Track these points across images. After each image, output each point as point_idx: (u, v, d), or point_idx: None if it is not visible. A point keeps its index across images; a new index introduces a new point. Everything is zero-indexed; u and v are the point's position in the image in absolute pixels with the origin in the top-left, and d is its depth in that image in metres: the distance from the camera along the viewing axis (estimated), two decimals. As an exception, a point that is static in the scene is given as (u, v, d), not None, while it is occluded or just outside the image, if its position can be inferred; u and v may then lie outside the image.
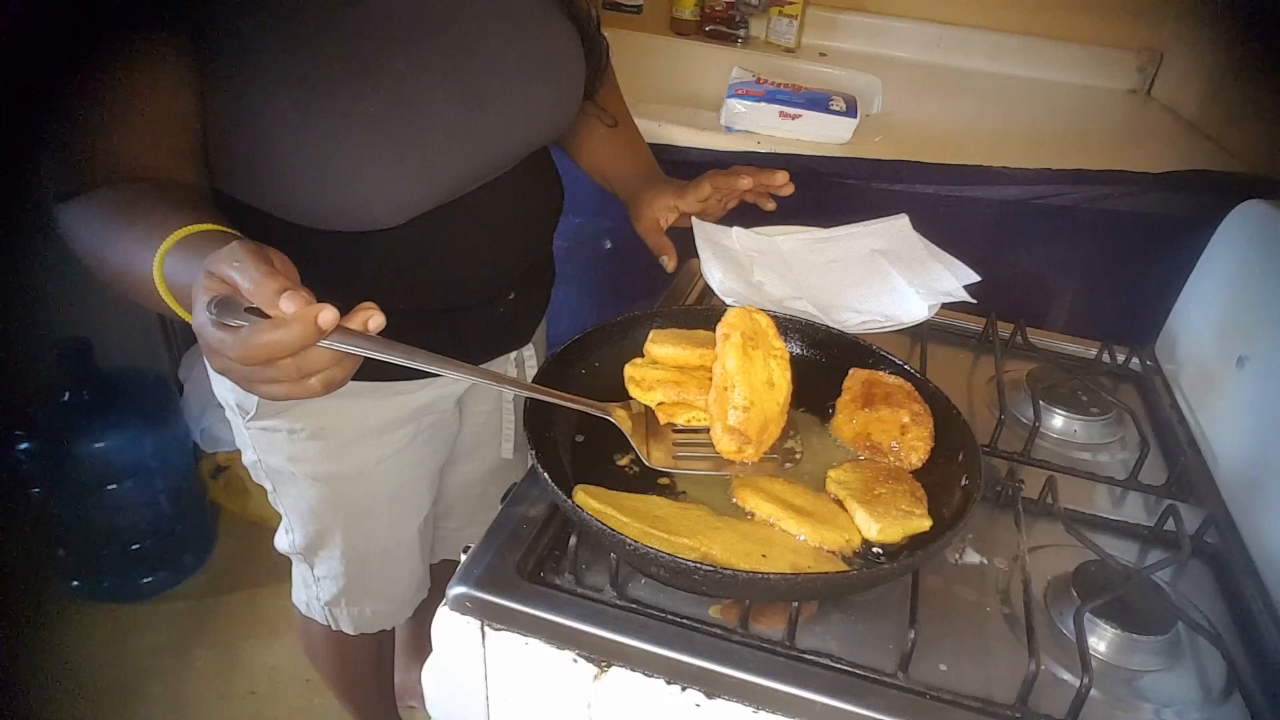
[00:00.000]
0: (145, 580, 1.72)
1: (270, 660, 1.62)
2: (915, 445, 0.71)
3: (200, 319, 0.51)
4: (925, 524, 0.63)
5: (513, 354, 0.99)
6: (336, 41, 0.69)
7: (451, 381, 0.93)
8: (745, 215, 0.99)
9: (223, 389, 0.91)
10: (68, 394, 1.54)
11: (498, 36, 0.79)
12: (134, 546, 1.68)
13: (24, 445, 1.53)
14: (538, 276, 0.98)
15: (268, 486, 0.98)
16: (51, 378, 1.54)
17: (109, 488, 1.60)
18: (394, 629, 1.17)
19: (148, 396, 1.68)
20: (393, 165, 0.72)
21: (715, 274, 0.90)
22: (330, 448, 0.91)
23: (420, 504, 1.02)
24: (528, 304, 0.96)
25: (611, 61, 1.03)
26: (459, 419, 1.03)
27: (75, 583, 1.70)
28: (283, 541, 1.03)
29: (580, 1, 0.88)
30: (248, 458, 0.96)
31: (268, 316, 0.50)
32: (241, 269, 0.50)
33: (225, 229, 0.60)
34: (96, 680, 1.56)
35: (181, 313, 0.59)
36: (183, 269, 0.57)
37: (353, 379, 0.80)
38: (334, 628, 1.10)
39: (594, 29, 0.92)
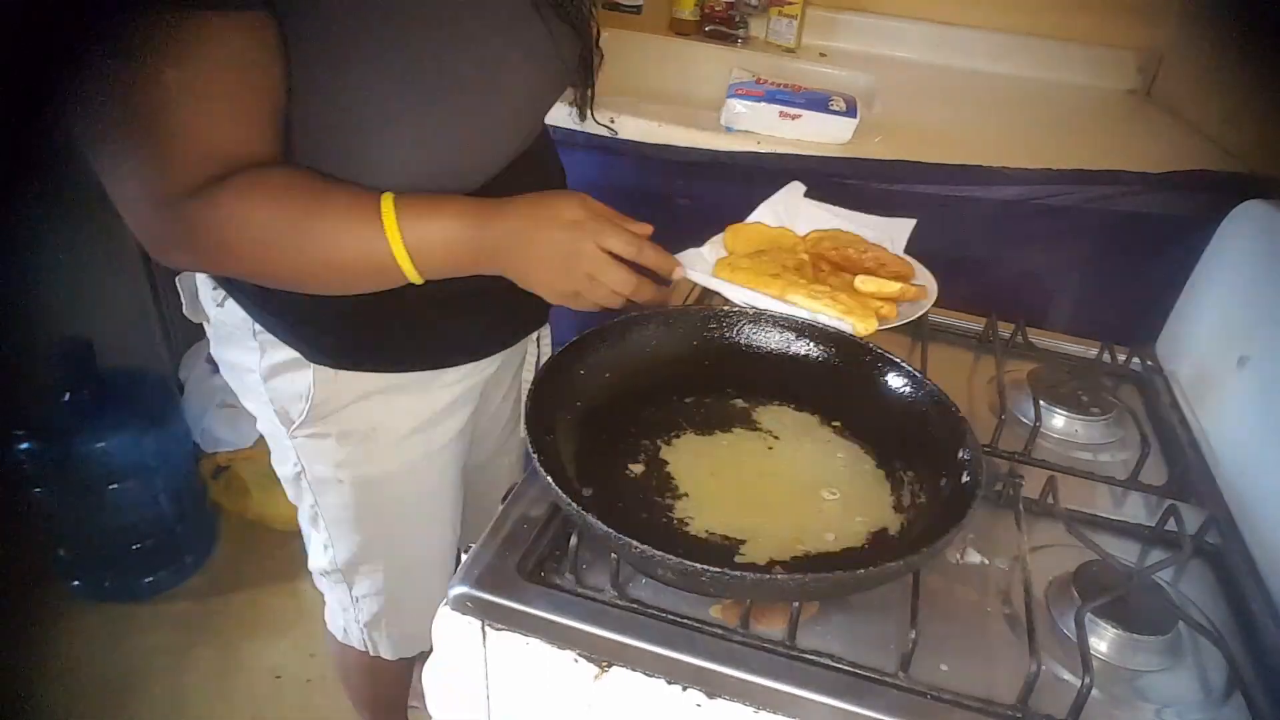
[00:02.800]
0: (145, 580, 1.72)
1: (270, 660, 1.62)
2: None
3: (580, 205, 0.70)
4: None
5: (535, 334, 1.00)
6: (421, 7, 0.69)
7: (485, 367, 0.93)
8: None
9: (259, 405, 0.89)
10: (68, 394, 1.54)
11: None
12: (134, 546, 1.68)
13: (24, 445, 1.53)
14: None
15: (308, 500, 0.95)
16: (51, 378, 1.54)
17: (109, 488, 1.60)
18: None
19: (148, 396, 1.68)
20: (483, 126, 0.74)
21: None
22: (379, 448, 0.90)
23: (455, 508, 1.02)
24: None
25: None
26: (481, 414, 1.02)
27: (75, 583, 1.70)
28: (321, 560, 1.00)
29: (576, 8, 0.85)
30: (287, 471, 0.94)
31: None
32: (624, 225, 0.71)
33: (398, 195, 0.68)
34: (96, 680, 1.56)
35: (408, 265, 0.68)
36: (444, 224, 0.68)
37: (400, 371, 0.86)
38: (372, 653, 1.07)
39: (591, 39, 0.89)
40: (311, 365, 0.83)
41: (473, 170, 0.76)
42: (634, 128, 1.33)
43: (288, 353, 0.83)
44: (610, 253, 0.71)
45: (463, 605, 0.61)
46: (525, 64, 0.77)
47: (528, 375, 1.04)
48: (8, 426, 1.53)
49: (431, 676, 0.66)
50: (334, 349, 0.82)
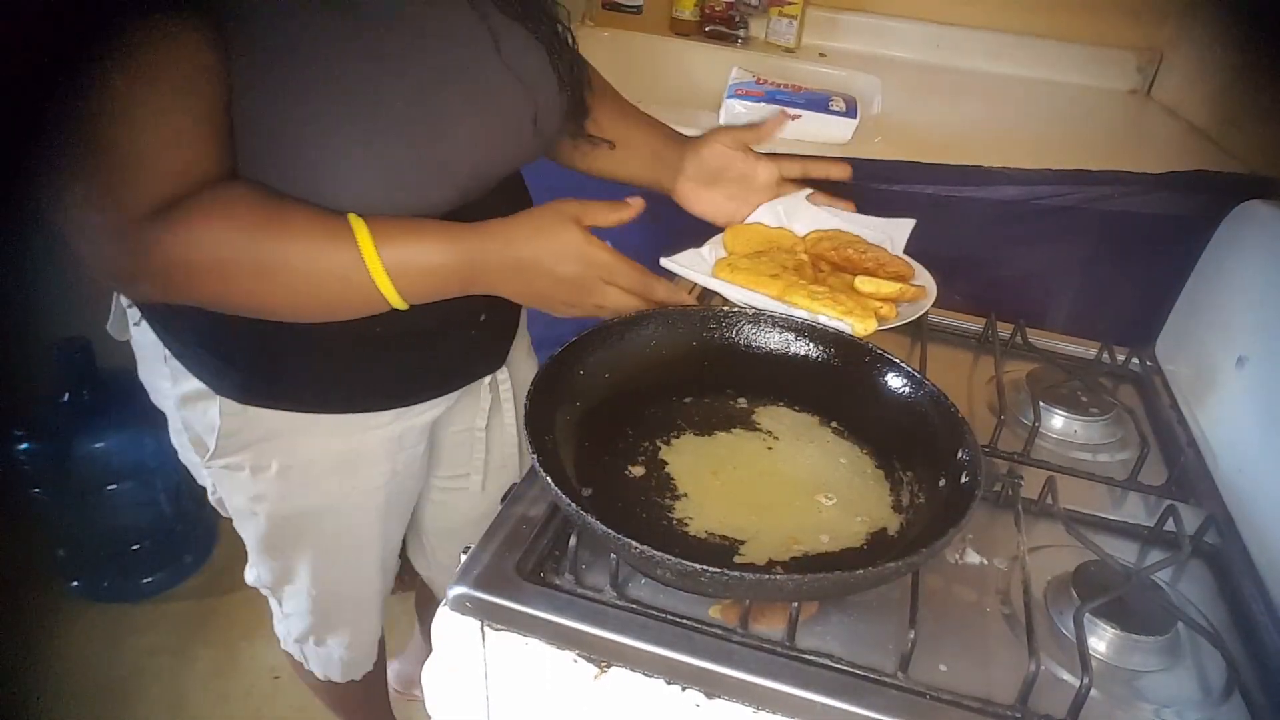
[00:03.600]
0: (145, 580, 1.72)
1: (270, 660, 1.62)
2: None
3: (595, 251, 0.68)
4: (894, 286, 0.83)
5: (487, 379, 0.94)
6: (361, 36, 0.65)
7: (424, 411, 0.88)
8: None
9: (176, 428, 0.87)
10: (68, 394, 1.54)
11: (487, 49, 0.74)
12: (134, 546, 1.68)
13: (24, 445, 1.53)
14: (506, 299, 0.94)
15: (234, 521, 0.94)
16: (51, 378, 1.54)
17: (109, 488, 1.60)
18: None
19: (147, 397, 1.67)
20: (433, 173, 0.70)
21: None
22: (294, 486, 0.86)
23: (385, 549, 0.98)
24: (500, 325, 0.91)
25: (601, 81, 0.96)
26: (435, 449, 0.99)
27: (75, 583, 1.70)
28: (250, 575, 1.00)
29: (547, 23, 0.81)
30: (211, 496, 0.93)
31: None
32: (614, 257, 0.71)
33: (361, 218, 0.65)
34: (96, 680, 1.56)
35: (390, 291, 0.65)
36: (427, 250, 0.66)
37: (313, 412, 0.82)
38: (306, 666, 1.08)
39: (567, 53, 0.84)
40: (218, 397, 0.80)
41: (426, 209, 0.71)
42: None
43: (196, 382, 0.80)
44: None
45: (462, 605, 0.61)
46: (479, 115, 0.73)
47: (480, 422, 0.97)
48: (7, 426, 1.53)
49: (431, 676, 0.66)
50: (241, 383, 0.79)
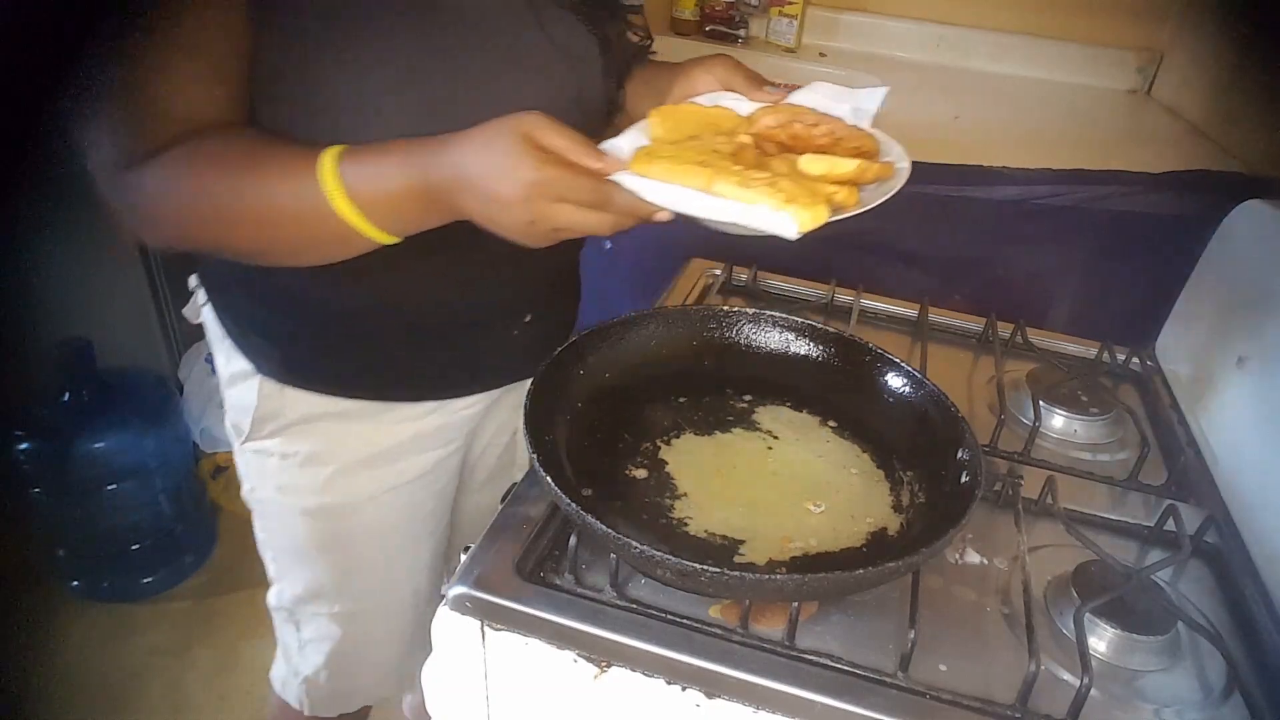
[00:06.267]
0: (145, 580, 1.72)
1: (269, 660, 1.61)
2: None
3: (534, 166, 0.57)
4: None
5: (529, 381, 0.93)
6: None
7: (462, 409, 0.87)
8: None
9: (224, 410, 0.87)
10: (68, 394, 1.54)
11: (526, 10, 0.73)
12: (134, 546, 1.68)
13: (24, 445, 1.53)
14: (560, 295, 0.90)
15: (258, 523, 0.91)
16: (51, 378, 1.54)
17: (109, 488, 1.60)
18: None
19: (148, 396, 1.68)
20: (425, 116, 0.67)
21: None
22: (323, 476, 0.84)
23: (421, 551, 0.94)
24: (547, 326, 0.88)
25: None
26: (471, 451, 0.96)
27: (75, 583, 1.70)
28: (271, 596, 0.95)
29: (607, 20, 0.79)
30: (245, 489, 0.90)
31: None
32: (567, 134, 0.59)
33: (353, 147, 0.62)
34: (96, 680, 1.56)
35: (356, 218, 0.61)
36: (385, 169, 0.60)
37: (348, 397, 0.80)
38: (307, 712, 1.00)
39: (623, 48, 0.81)
40: (259, 376, 0.80)
41: None
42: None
43: (243, 361, 0.81)
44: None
45: (462, 605, 0.61)
46: (523, 84, 0.72)
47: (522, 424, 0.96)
48: (8, 426, 1.53)
49: (431, 676, 0.66)
50: (281, 361, 0.79)
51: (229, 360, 0.83)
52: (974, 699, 0.57)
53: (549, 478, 0.59)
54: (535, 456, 0.61)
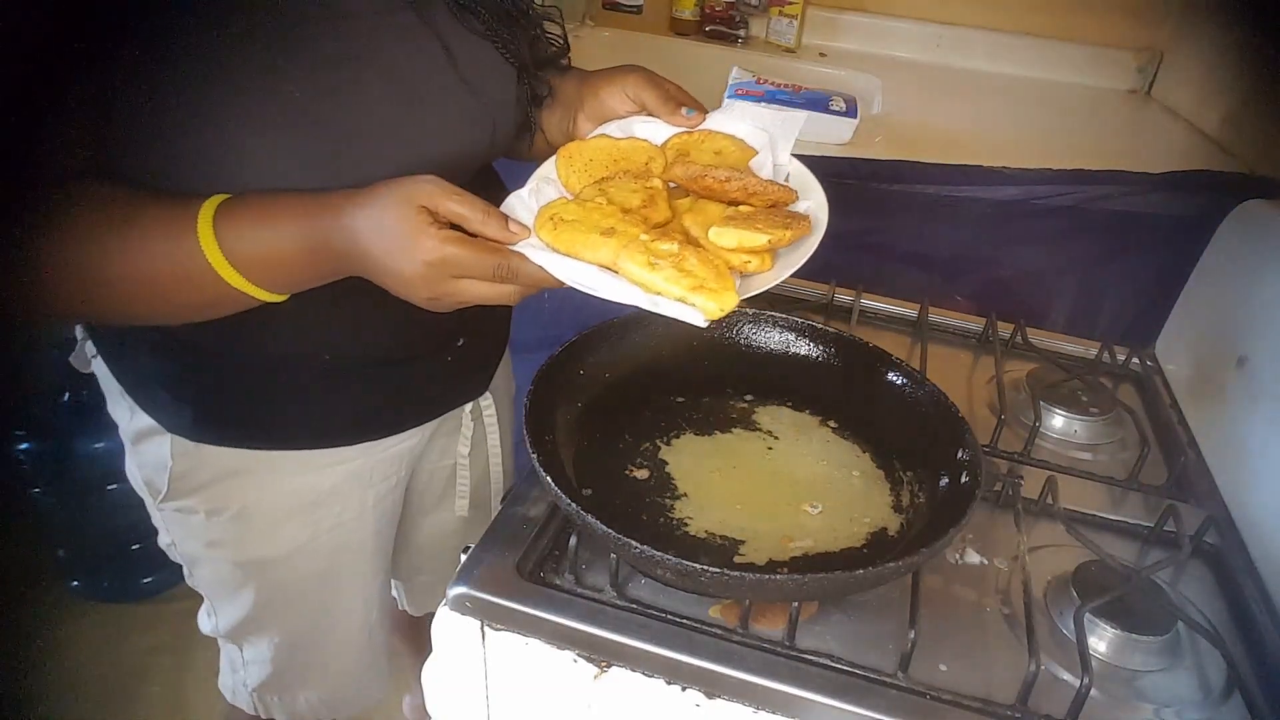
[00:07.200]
0: (145, 580, 1.72)
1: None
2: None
3: (434, 247, 0.55)
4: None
5: (468, 406, 0.88)
6: (261, 19, 0.59)
7: (399, 443, 0.83)
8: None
9: (131, 467, 0.81)
10: (68, 394, 1.54)
11: (433, 42, 0.68)
12: (134, 546, 1.68)
13: (24, 445, 1.53)
14: (491, 319, 0.87)
15: (185, 570, 0.87)
16: (51, 378, 1.54)
17: (109, 488, 1.59)
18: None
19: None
20: (317, 161, 0.61)
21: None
22: (255, 530, 0.79)
23: (365, 582, 0.90)
24: (481, 350, 0.85)
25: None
26: (417, 479, 0.93)
27: (75, 583, 1.70)
28: (205, 624, 0.91)
29: (514, 39, 0.74)
30: (162, 540, 0.85)
31: None
32: (467, 203, 0.57)
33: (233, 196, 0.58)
34: (96, 680, 1.56)
35: (236, 279, 0.57)
36: (273, 230, 0.57)
37: (276, 449, 0.76)
38: (264, 715, 0.95)
39: (530, 68, 0.77)
40: (170, 435, 0.74)
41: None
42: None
43: (149, 419, 0.75)
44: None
45: (462, 605, 0.61)
46: (430, 123, 0.67)
47: (464, 449, 0.91)
48: (7, 426, 1.53)
49: (431, 676, 0.66)
50: (193, 419, 0.73)
51: (133, 416, 0.77)
52: (974, 699, 0.57)
53: (549, 478, 0.59)
54: (535, 456, 0.61)
